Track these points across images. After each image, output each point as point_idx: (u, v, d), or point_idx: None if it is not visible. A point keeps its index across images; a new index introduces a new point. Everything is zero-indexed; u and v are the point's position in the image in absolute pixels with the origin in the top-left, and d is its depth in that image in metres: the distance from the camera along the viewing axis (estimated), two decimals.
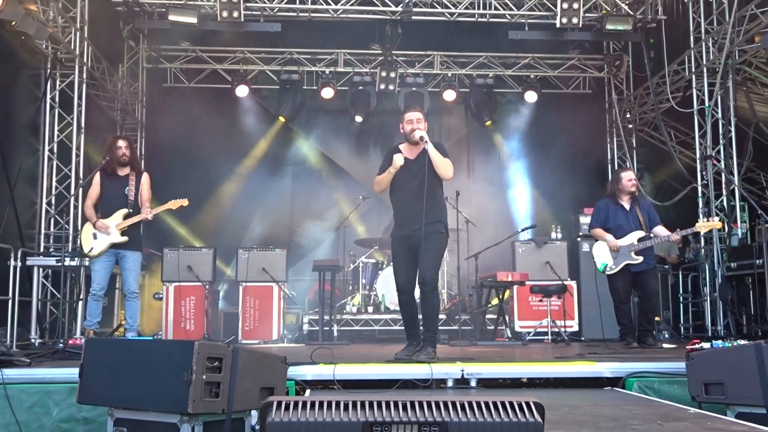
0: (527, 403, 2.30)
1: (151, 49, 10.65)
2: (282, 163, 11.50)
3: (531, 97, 11.07)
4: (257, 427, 3.76)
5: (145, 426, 3.37)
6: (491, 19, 9.43)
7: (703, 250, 8.89)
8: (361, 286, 9.27)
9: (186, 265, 8.51)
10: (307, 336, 8.83)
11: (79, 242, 6.46)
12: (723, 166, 8.61)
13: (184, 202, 6.63)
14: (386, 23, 9.96)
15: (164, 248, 8.80)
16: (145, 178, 6.57)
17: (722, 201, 8.71)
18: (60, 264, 7.22)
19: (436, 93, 11.12)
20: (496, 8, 9.32)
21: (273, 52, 11.16)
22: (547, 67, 11.37)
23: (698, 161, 9.07)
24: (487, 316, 8.63)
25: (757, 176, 9.48)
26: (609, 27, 8.96)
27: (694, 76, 9.15)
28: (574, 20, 8.79)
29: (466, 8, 9.36)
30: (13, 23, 6.99)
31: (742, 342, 4.50)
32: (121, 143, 6.48)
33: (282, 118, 11.25)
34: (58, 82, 8.66)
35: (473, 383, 4.63)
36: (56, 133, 8.64)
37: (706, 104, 8.90)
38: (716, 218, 7.73)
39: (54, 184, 8.59)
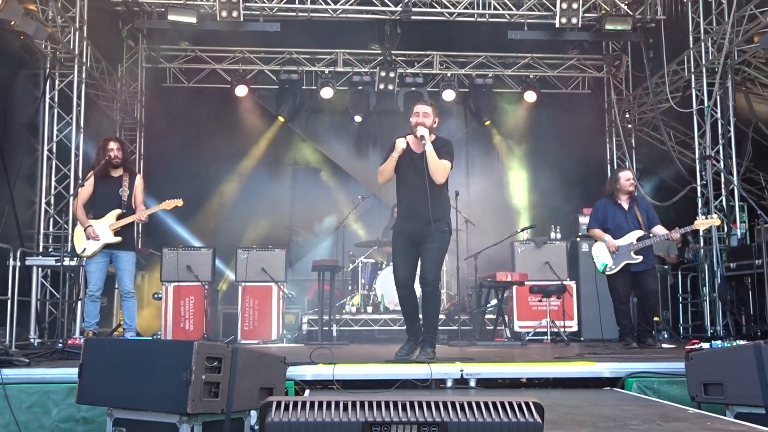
0: (527, 404, 2.30)
1: (150, 48, 10.64)
2: (281, 163, 11.50)
3: (530, 97, 11.08)
4: (256, 427, 3.76)
5: (144, 426, 3.37)
6: (490, 19, 9.43)
7: (702, 250, 8.90)
8: (360, 286, 9.27)
9: (185, 265, 8.50)
10: (306, 336, 8.83)
11: (70, 242, 6.39)
12: (722, 166, 8.62)
13: (179, 202, 6.56)
14: (385, 23, 9.97)
15: (163, 248, 8.79)
16: (139, 180, 6.52)
17: (721, 201, 8.72)
18: (59, 264, 7.21)
19: (435, 93, 11.11)
20: (495, 8, 9.32)
21: (272, 51, 11.16)
22: (547, 67, 11.38)
23: (697, 161, 9.08)
24: (487, 316, 8.62)
25: (756, 176, 9.48)
26: (608, 27, 8.97)
27: (693, 76, 9.15)
28: (574, 20, 8.80)
29: (466, 8, 9.36)
30: (13, 23, 6.99)
31: (742, 342, 4.51)
32: (113, 145, 6.41)
33: (281, 118, 11.24)
34: (57, 82, 8.66)
35: (472, 383, 4.63)
36: (55, 132, 8.64)
37: (706, 104, 8.91)
38: (715, 215, 7.72)
39: (53, 183, 8.59)
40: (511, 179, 11.57)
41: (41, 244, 8.34)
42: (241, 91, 10.74)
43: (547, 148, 11.03)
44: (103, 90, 9.69)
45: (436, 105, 5.45)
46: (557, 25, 8.92)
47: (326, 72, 11.00)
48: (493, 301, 8.56)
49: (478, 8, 9.37)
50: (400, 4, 9.21)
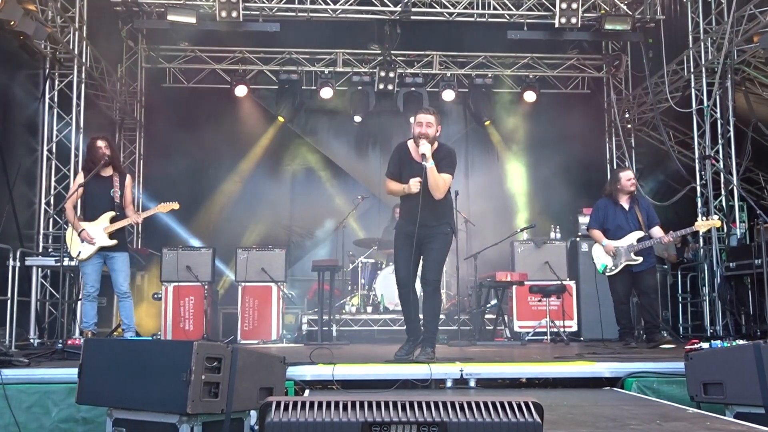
0: (526, 404, 2.31)
1: (149, 49, 10.64)
2: (281, 163, 11.50)
3: (530, 96, 11.08)
4: (256, 428, 3.76)
5: (144, 426, 3.37)
6: (490, 19, 9.43)
7: (702, 250, 8.90)
8: (360, 286, 9.27)
9: (185, 265, 8.51)
10: (306, 336, 8.83)
11: (66, 246, 6.33)
12: (722, 165, 8.62)
13: (175, 205, 6.53)
14: (385, 23, 9.97)
15: (163, 248, 8.79)
16: (129, 180, 6.49)
17: (721, 201, 8.72)
18: (59, 264, 7.21)
19: (435, 93, 11.12)
20: (494, 8, 9.32)
21: (272, 52, 11.15)
22: (546, 67, 11.38)
23: (697, 161, 9.08)
24: (486, 316, 8.62)
25: (755, 176, 9.48)
26: (608, 27, 8.97)
27: (692, 76, 9.15)
28: (573, 20, 8.80)
29: (465, 8, 9.36)
30: (12, 23, 6.98)
31: (741, 342, 4.50)
32: (101, 143, 6.33)
33: (281, 118, 11.25)
34: (56, 82, 8.66)
35: (472, 383, 4.63)
36: (55, 133, 8.64)
37: (705, 104, 8.91)
38: (715, 217, 7.70)
39: (53, 184, 8.59)
40: (511, 179, 11.56)
41: (41, 245, 8.34)
42: (240, 91, 10.74)
43: (547, 148, 11.02)
44: (103, 90, 9.69)
45: (438, 111, 5.47)
46: (557, 25, 8.92)
47: (326, 72, 11.00)
48: (493, 301, 8.56)
49: (477, 8, 9.37)
50: (400, 4, 9.21)
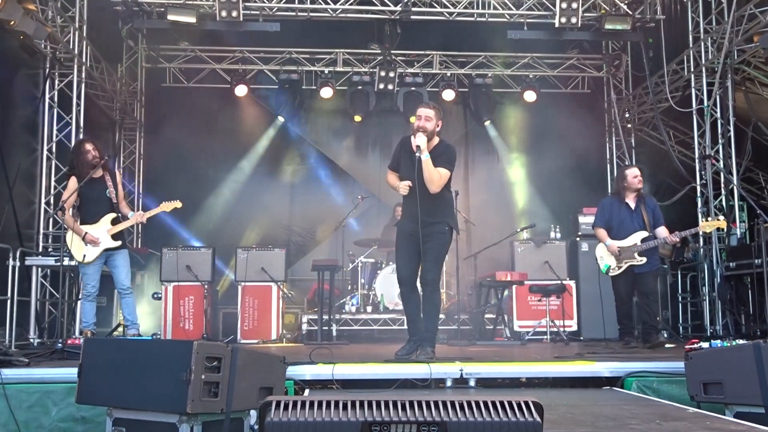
0: (526, 403, 2.30)
1: (150, 48, 10.64)
2: (281, 163, 11.49)
3: (530, 96, 11.07)
4: (256, 427, 3.76)
5: (143, 426, 3.37)
6: (490, 19, 9.42)
7: (702, 249, 8.89)
8: (360, 286, 9.27)
9: (185, 265, 8.51)
10: (306, 336, 8.83)
11: (68, 250, 6.33)
12: (722, 165, 8.62)
13: (178, 204, 6.55)
14: (385, 23, 9.96)
15: (163, 248, 8.79)
16: (118, 176, 6.54)
17: (721, 201, 8.72)
18: (58, 264, 7.21)
19: (435, 93, 11.11)
20: (495, 8, 9.32)
21: (272, 51, 11.15)
22: (546, 66, 11.38)
23: (697, 161, 9.08)
24: (486, 316, 8.62)
25: (755, 176, 9.48)
26: (608, 27, 8.96)
27: (693, 76, 9.15)
28: (573, 20, 8.79)
29: (465, 8, 9.35)
30: (12, 23, 6.98)
31: (741, 342, 4.51)
32: (89, 146, 6.33)
33: (281, 118, 11.25)
34: (56, 82, 8.66)
35: (472, 383, 4.63)
36: (55, 132, 8.64)
37: (705, 104, 8.91)
38: (721, 217, 7.60)
39: (53, 183, 8.59)
40: (511, 179, 11.56)
41: (41, 244, 8.34)
42: (240, 90, 10.74)
43: (547, 147, 11.02)
44: (103, 90, 9.69)
45: (439, 107, 5.46)
46: (557, 25, 8.91)
47: (326, 72, 11.00)
48: (493, 301, 8.56)
49: (477, 8, 9.36)
50: (400, 4, 9.20)
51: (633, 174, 6.93)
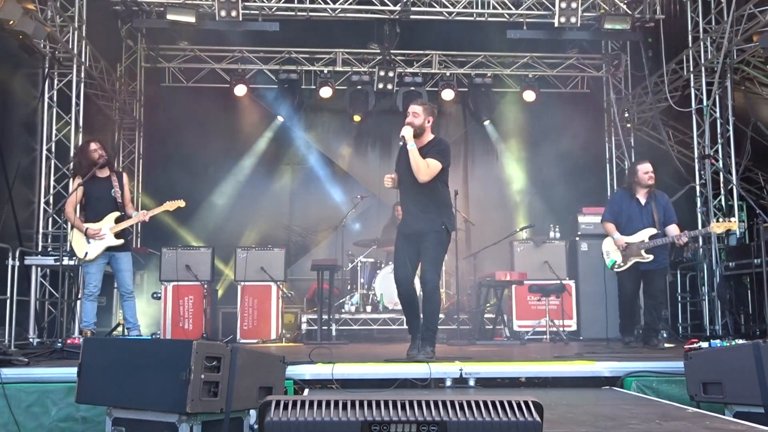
0: (526, 403, 2.31)
1: (149, 48, 10.63)
2: (280, 163, 11.50)
3: (529, 96, 11.06)
4: (256, 427, 3.76)
5: (143, 425, 3.37)
6: (489, 19, 9.42)
7: (701, 249, 8.89)
8: (359, 286, 9.27)
9: (184, 265, 8.51)
10: (305, 335, 8.83)
11: (70, 247, 6.39)
12: (721, 165, 8.62)
13: (181, 203, 6.61)
14: (384, 22, 9.95)
15: (162, 248, 8.80)
16: (126, 179, 6.59)
17: (720, 200, 8.72)
18: (58, 263, 7.21)
19: (434, 92, 11.10)
20: (494, 7, 9.32)
21: (271, 51, 11.14)
22: (546, 66, 11.38)
23: (696, 160, 9.08)
24: (486, 316, 8.63)
25: (755, 175, 9.48)
26: (607, 26, 8.95)
27: (692, 76, 9.15)
28: (573, 19, 8.79)
29: (465, 7, 9.35)
30: (11, 22, 6.97)
31: (741, 341, 4.51)
32: (94, 146, 6.43)
33: (280, 118, 11.25)
34: (56, 82, 8.65)
35: (472, 382, 4.64)
36: (54, 132, 8.62)
37: (705, 103, 8.91)
38: (733, 219, 7.27)
39: (52, 183, 8.57)
40: (510, 178, 11.56)
41: (40, 244, 8.33)
42: (240, 90, 10.73)
43: (546, 147, 11.02)
44: (102, 89, 9.68)
45: (431, 104, 5.54)
46: (556, 25, 8.90)
47: (325, 71, 10.99)
48: (492, 301, 8.56)
49: (477, 7, 9.36)
50: (399, 4, 9.20)
51: (644, 170, 6.78)
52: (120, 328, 8.00)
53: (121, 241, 6.35)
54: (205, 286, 8.53)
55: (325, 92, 10.82)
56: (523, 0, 9.31)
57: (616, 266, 6.78)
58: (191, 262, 8.58)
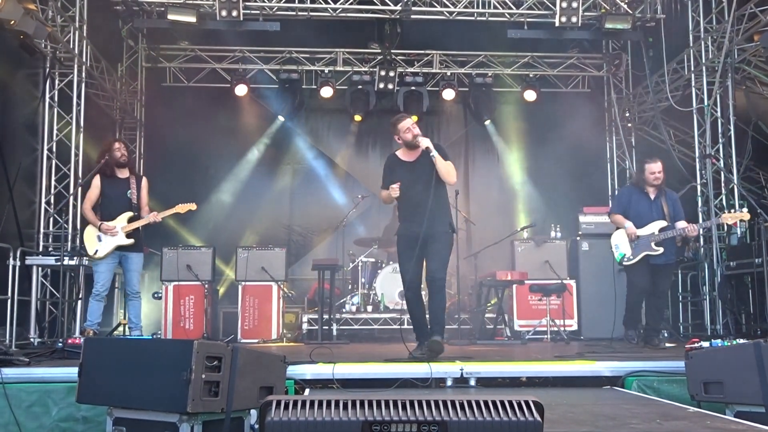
0: (526, 402, 2.30)
1: (150, 48, 10.63)
2: (281, 163, 11.50)
3: (530, 96, 11.06)
4: (256, 426, 3.76)
5: (144, 425, 3.37)
6: (490, 18, 9.41)
7: (702, 248, 8.89)
8: (360, 286, 9.27)
9: (185, 265, 8.52)
10: (306, 335, 8.83)
11: (80, 243, 6.50)
12: (722, 164, 8.61)
13: (192, 206, 6.76)
14: (385, 22, 9.95)
15: (163, 247, 8.80)
16: (145, 182, 6.68)
17: (721, 200, 8.71)
18: (59, 263, 7.22)
19: (435, 92, 11.11)
20: (495, 7, 9.31)
21: (272, 51, 11.14)
22: (546, 66, 11.37)
23: (697, 160, 9.07)
24: (487, 315, 8.62)
25: (756, 175, 9.46)
26: (608, 26, 8.95)
27: (693, 75, 9.15)
28: (573, 19, 8.78)
29: (465, 7, 9.34)
30: (12, 22, 6.98)
31: (742, 341, 4.51)
32: (118, 145, 6.61)
33: (281, 118, 11.26)
34: (57, 82, 8.65)
35: (472, 382, 4.64)
36: (55, 132, 8.63)
37: (706, 103, 8.90)
38: (744, 209, 6.99)
39: (53, 183, 8.58)
40: (511, 178, 11.56)
41: (41, 244, 8.33)
42: (240, 90, 10.73)
43: (547, 147, 11.02)
44: (103, 89, 9.69)
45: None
46: (557, 24, 8.90)
47: (326, 71, 10.99)
48: (493, 300, 8.56)
49: (477, 7, 9.35)
50: (400, 3, 9.19)
51: (651, 170, 6.68)
52: (121, 328, 8.03)
53: (131, 241, 6.43)
54: (206, 285, 8.54)
55: (326, 92, 10.82)
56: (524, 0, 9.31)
57: (626, 259, 6.67)
58: (192, 261, 8.58)
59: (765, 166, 9.27)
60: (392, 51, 10.67)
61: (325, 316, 8.44)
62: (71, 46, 8.60)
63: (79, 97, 8.71)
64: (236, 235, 10.55)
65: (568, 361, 5.05)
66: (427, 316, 5.47)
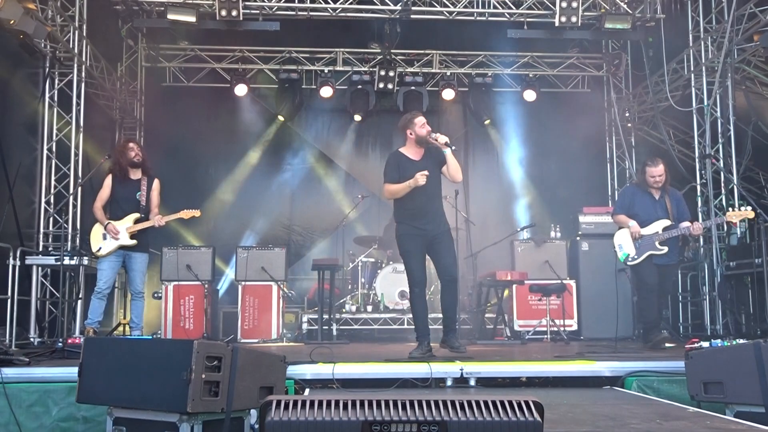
0: (526, 402, 2.30)
1: (149, 48, 10.63)
2: (281, 162, 11.50)
3: (530, 96, 11.06)
4: (256, 426, 3.76)
5: (144, 425, 3.37)
6: (490, 18, 9.41)
7: (702, 249, 8.89)
8: (360, 285, 9.27)
9: (185, 264, 8.52)
10: (306, 335, 8.83)
11: (82, 242, 6.54)
12: (722, 165, 8.61)
13: (197, 213, 6.83)
14: (385, 22, 9.94)
15: (163, 247, 8.78)
16: (156, 183, 6.72)
17: (721, 200, 8.71)
18: (59, 263, 7.22)
19: (434, 92, 11.11)
20: (495, 7, 9.31)
21: (272, 51, 11.14)
22: (546, 65, 11.37)
23: (697, 160, 9.07)
24: (486, 315, 8.62)
25: (756, 175, 9.46)
26: (608, 26, 8.94)
27: (693, 75, 9.15)
28: (573, 19, 8.78)
29: (465, 7, 9.34)
30: (12, 22, 6.97)
31: (741, 341, 4.52)
32: (133, 145, 6.68)
33: (281, 117, 11.25)
34: (56, 81, 8.65)
35: (472, 382, 4.64)
36: (55, 132, 8.63)
37: (705, 103, 8.90)
38: (749, 207, 6.92)
39: (53, 183, 8.58)
40: (511, 178, 11.56)
41: (41, 244, 8.33)
42: (240, 90, 10.73)
43: (547, 147, 11.02)
44: (103, 89, 9.68)
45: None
46: (557, 24, 8.90)
47: (326, 71, 10.99)
48: (493, 300, 8.56)
49: (477, 7, 9.35)
50: (400, 3, 9.19)
51: (651, 173, 6.59)
52: (121, 328, 8.03)
53: (134, 242, 6.46)
54: (206, 285, 8.53)
55: (326, 92, 10.82)
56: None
57: (629, 259, 6.59)
58: (192, 261, 8.58)
59: (765, 166, 9.27)
60: (392, 51, 10.67)
61: (325, 316, 8.44)
62: (71, 46, 8.60)
63: (78, 96, 8.71)
64: (236, 235, 10.55)
65: (568, 361, 5.05)
66: (430, 315, 5.55)
